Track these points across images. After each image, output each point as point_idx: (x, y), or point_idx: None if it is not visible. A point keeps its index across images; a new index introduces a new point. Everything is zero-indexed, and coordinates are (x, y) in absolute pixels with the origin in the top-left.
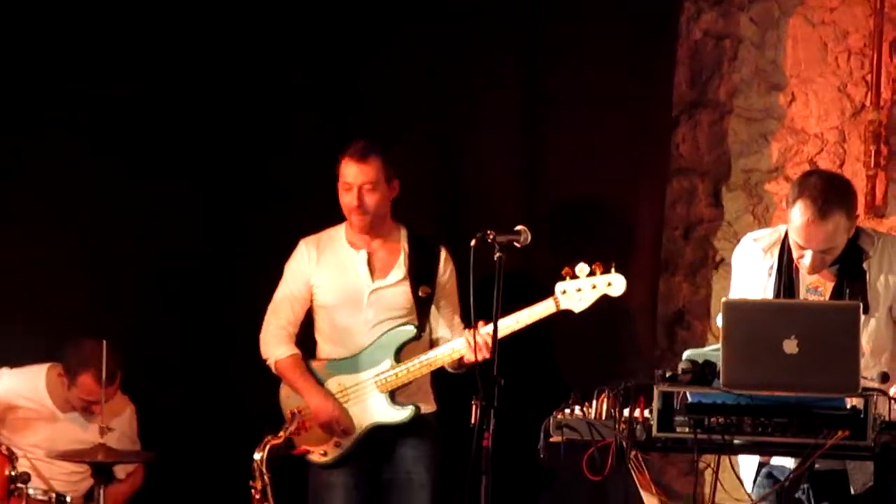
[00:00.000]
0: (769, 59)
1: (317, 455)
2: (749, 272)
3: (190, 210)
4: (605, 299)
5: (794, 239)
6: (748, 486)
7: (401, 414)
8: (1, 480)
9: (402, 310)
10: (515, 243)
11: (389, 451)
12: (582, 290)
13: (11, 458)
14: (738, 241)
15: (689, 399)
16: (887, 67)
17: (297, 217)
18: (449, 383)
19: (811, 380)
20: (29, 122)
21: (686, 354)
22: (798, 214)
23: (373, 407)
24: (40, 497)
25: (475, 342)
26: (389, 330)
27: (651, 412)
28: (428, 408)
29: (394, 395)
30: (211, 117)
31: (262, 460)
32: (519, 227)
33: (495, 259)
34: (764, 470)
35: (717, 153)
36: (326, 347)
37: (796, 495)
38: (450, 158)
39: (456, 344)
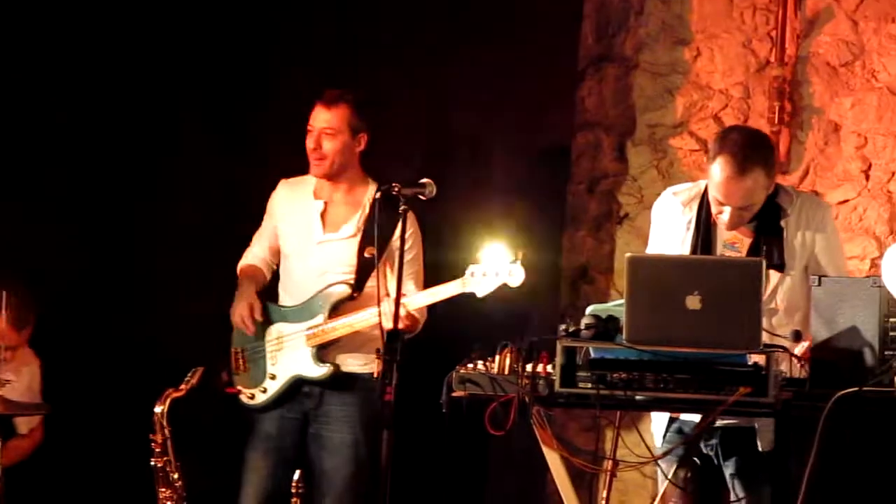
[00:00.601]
0: (675, 13)
1: (245, 397)
2: (668, 226)
3: (97, 158)
4: (504, 287)
5: (713, 195)
6: (658, 440)
7: (319, 370)
8: None
9: (348, 266)
10: (420, 196)
11: (316, 405)
12: (487, 275)
13: None
14: (642, 196)
15: (592, 355)
16: (792, 23)
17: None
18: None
19: (714, 336)
20: None
21: (589, 309)
22: (718, 170)
23: (299, 359)
24: None
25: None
26: (329, 287)
27: (554, 367)
28: (360, 368)
29: (320, 351)
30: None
31: (162, 413)
32: (424, 180)
33: (400, 211)
34: (674, 425)
35: (622, 108)
36: (281, 292)
37: (705, 451)
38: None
39: (382, 309)
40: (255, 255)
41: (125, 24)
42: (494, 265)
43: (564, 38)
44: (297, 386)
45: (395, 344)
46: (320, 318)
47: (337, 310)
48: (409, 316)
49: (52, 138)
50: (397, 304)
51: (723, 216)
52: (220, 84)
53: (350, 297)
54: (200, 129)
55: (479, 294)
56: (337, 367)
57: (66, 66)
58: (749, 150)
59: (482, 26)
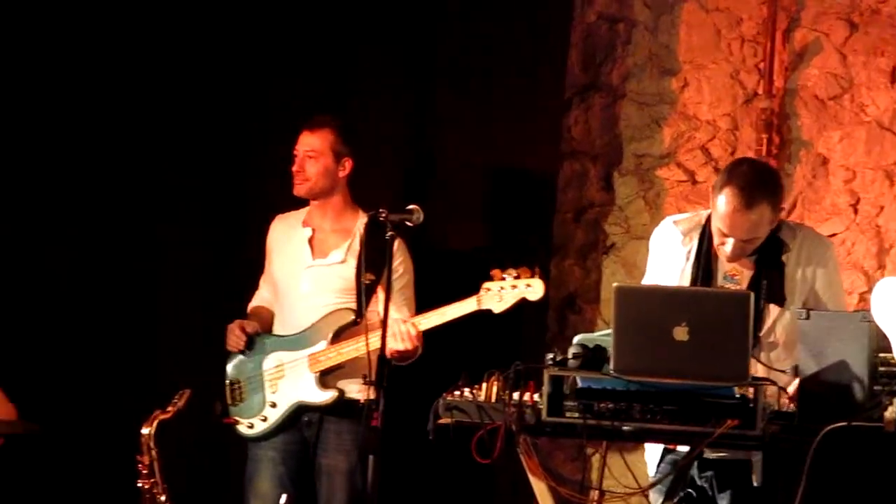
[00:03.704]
0: (663, 43)
1: (244, 427)
2: (667, 255)
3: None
4: (523, 302)
5: (717, 226)
6: (651, 469)
7: (324, 396)
8: None
9: (338, 292)
10: (408, 222)
11: (315, 432)
12: (504, 289)
13: None
14: (629, 226)
15: (579, 384)
16: (780, 55)
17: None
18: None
19: (701, 368)
20: None
21: (577, 339)
22: (724, 202)
23: (301, 386)
24: None
25: (399, 332)
26: (330, 313)
27: (541, 396)
28: (360, 394)
29: (324, 377)
30: None
31: (150, 435)
32: (411, 206)
33: (387, 237)
34: (669, 456)
35: (608, 137)
36: (276, 322)
37: (700, 483)
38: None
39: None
40: (262, 297)
41: (139, 49)
42: (511, 280)
43: (551, 67)
44: (299, 413)
45: (383, 369)
46: (323, 345)
47: (340, 336)
48: (418, 337)
49: (59, 162)
50: (384, 329)
51: (725, 247)
52: (220, 119)
53: (353, 323)
54: (204, 159)
55: (496, 311)
56: (342, 392)
57: (77, 90)
58: (757, 183)
59: (468, 54)
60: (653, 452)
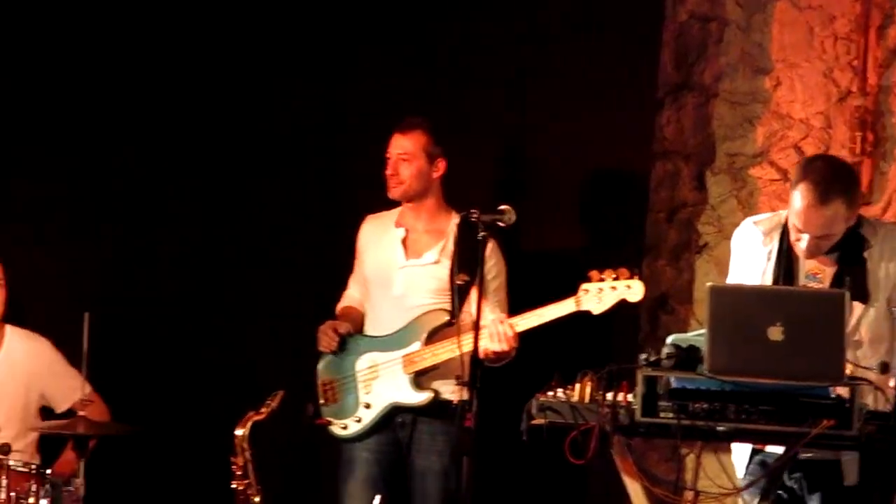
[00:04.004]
0: (755, 42)
1: (337, 428)
2: (748, 256)
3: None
4: (623, 303)
5: (792, 221)
6: (740, 472)
7: (419, 397)
8: None
9: (432, 292)
10: (500, 223)
11: (409, 433)
12: (603, 291)
13: None
14: (721, 225)
15: (673, 384)
16: (874, 52)
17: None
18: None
19: (796, 367)
20: None
21: (670, 339)
22: (799, 198)
23: (396, 387)
24: (21, 469)
25: (497, 332)
26: (424, 314)
27: (634, 396)
28: (454, 395)
29: (418, 378)
30: None
31: (243, 436)
32: (503, 207)
33: (479, 238)
34: (757, 457)
35: (701, 136)
36: (367, 322)
37: (789, 484)
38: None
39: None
40: (351, 297)
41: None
42: (610, 281)
43: (643, 67)
44: (393, 414)
45: (476, 370)
46: (417, 345)
47: (434, 336)
48: (515, 339)
49: (158, 165)
50: (477, 329)
51: (800, 243)
52: (311, 120)
53: (447, 324)
54: (297, 160)
55: (595, 312)
56: (436, 393)
57: (171, 92)
58: (832, 179)
59: (562, 53)
60: (740, 454)
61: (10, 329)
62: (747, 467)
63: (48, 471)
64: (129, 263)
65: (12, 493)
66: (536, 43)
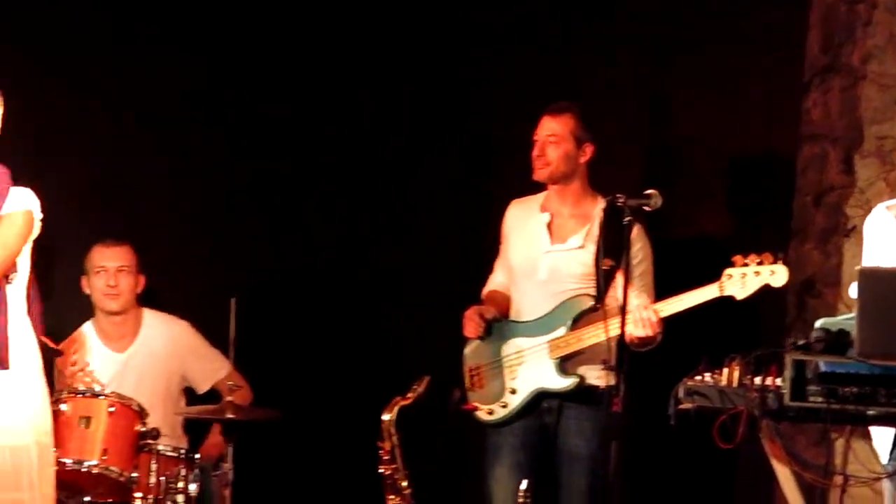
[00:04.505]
0: None
1: (483, 413)
2: (882, 241)
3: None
4: (766, 289)
5: None
6: (884, 457)
7: (565, 382)
8: (131, 436)
9: (577, 277)
10: (645, 207)
11: (555, 418)
12: (746, 276)
13: (142, 414)
14: (870, 208)
15: (822, 368)
16: None
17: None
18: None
19: None
20: None
21: (819, 323)
22: None
23: (541, 372)
24: (170, 453)
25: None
26: (570, 298)
27: (783, 381)
28: (599, 380)
29: (563, 363)
30: None
31: (390, 421)
32: (649, 191)
33: (625, 222)
34: None
35: (848, 119)
36: (513, 307)
37: None
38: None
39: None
40: (497, 282)
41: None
42: (754, 266)
43: (790, 49)
44: (539, 399)
45: (623, 354)
46: (563, 330)
47: (579, 321)
48: (659, 324)
49: (316, 152)
50: (623, 314)
51: None
52: (459, 105)
53: (593, 309)
54: (443, 145)
55: (739, 297)
56: (582, 378)
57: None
58: None
59: (708, 37)
60: (882, 439)
61: (147, 313)
62: (891, 453)
63: (197, 455)
64: (275, 248)
65: (161, 478)
66: (681, 26)
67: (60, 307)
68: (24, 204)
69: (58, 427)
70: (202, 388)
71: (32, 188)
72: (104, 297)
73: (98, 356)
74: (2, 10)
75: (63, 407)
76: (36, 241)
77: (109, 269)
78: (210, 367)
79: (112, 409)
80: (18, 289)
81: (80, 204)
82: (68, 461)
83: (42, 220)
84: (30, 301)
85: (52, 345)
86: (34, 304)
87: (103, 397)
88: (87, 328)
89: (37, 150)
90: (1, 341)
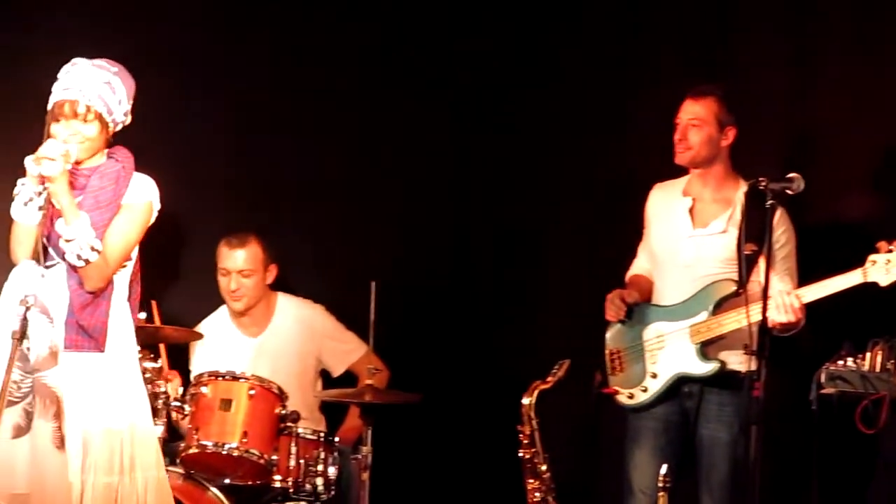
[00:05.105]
0: None
1: (624, 397)
2: None
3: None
4: None
5: None
6: None
7: (706, 367)
8: (271, 419)
9: (720, 261)
10: (788, 191)
11: (696, 403)
12: (891, 262)
13: (282, 397)
14: None
15: None
16: None
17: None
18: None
19: None
20: None
21: None
22: None
23: (682, 357)
24: (309, 436)
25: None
26: (712, 283)
27: None
28: (741, 365)
29: (704, 348)
30: None
31: (530, 405)
32: (792, 175)
33: (767, 206)
34: None
35: None
36: (655, 291)
37: None
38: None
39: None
40: (640, 266)
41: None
42: None
43: None
44: (679, 384)
45: (764, 338)
46: (704, 315)
47: (721, 306)
48: (801, 310)
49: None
50: (765, 299)
51: None
52: (599, 90)
53: (735, 294)
54: (583, 130)
55: (883, 284)
56: (723, 363)
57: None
58: None
59: (851, 19)
60: None
61: (281, 297)
62: None
63: (336, 438)
64: (413, 232)
65: (301, 461)
66: (826, 9)
67: (197, 291)
68: (146, 195)
69: (198, 410)
70: (337, 370)
71: (166, 174)
72: (228, 299)
73: (232, 341)
74: (146, 18)
75: (204, 390)
76: (151, 228)
77: (231, 273)
78: (344, 350)
79: (252, 391)
80: (124, 276)
81: (221, 185)
82: (209, 444)
83: (159, 211)
84: (131, 287)
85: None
86: (134, 291)
87: (244, 380)
88: (222, 312)
89: (178, 139)
90: (101, 326)
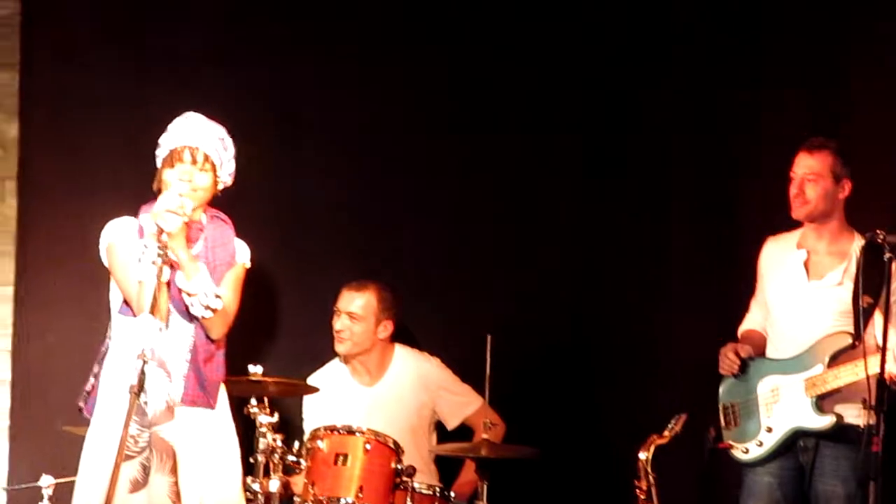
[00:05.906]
0: None
1: (739, 452)
2: None
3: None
4: None
5: None
6: None
7: (822, 421)
8: (387, 473)
9: (835, 315)
10: None
11: (811, 458)
12: None
13: (398, 451)
14: None
15: None
16: None
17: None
18: None
19: None
20: None
21: None
22: None
23: (798, 410)
24: (424, 491)
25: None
26: (827, 336)
27: None
28: (858, 419)
29: (820, 401)
30: None
31: (647, 460)
32: None
33: (885, 259)
34: None
35: None
36: (769, 345)
37: None
38: None
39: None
40: (754, 320)
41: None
42: None
43: None
44: (795, 438)
45: (882, 393)
46: (820, 368)
47: (837, 359)
48: None
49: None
50: (883, 352)
51: None
52: (710, 141)
53: (851, 347)
54: (686, 180)
55: None
56: (839, 417)
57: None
58: None
59: None
60: None
61: (399, 349)
62: None
63: (452, 493)
64: (528, 286)
65: None
66: None
67: (316, 341)
68: (246, 256)
69: (314, 464)
70: (452, 423)
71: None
72: (335, 338)
73: (347, 390)
74: (246, 61)
75: (319, 444)
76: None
77: (342, 313)
78: (460, 402)
79: (368, 446)
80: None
81: (343, 240)
82: (324, 499)
83: (247, 268)
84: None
85: None
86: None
87: (359, 434)
88: (335, 364)
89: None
90: (217, 382)
